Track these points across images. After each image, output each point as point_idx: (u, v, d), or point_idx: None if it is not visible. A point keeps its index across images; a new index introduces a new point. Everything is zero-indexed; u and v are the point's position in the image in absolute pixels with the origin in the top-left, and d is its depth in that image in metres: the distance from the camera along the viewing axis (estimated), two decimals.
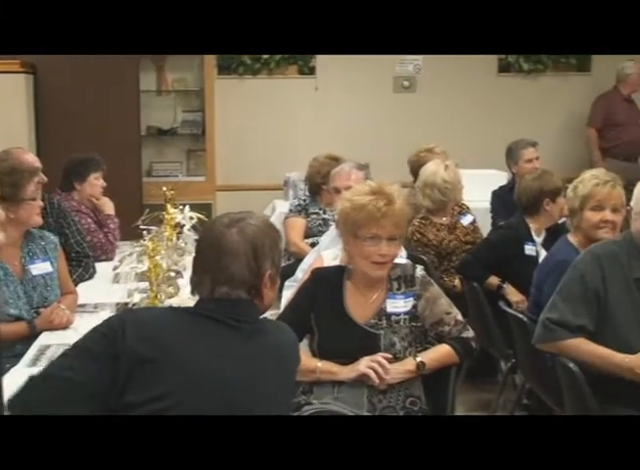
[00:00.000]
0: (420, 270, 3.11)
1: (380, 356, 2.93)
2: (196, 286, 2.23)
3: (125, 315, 2.20)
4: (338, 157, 5.35)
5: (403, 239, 3.15)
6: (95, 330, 2.11)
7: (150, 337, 2.07)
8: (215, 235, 2.20)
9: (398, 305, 3.02)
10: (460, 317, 3.11)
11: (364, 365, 2.92)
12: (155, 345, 2.06)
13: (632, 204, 3.16)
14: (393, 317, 3.01)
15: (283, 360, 2.25)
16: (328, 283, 3.09)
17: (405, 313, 3.02)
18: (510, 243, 4.50)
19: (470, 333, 3.10)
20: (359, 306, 3.04)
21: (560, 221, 4.57)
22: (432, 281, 3.14)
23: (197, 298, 2.25)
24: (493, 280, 4.51)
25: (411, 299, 3.04)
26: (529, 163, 5.83)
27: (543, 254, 4.31)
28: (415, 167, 5.47)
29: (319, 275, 3.15)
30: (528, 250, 4.47)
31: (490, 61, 7.91)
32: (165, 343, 2.07)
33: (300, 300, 3.11)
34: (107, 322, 2.14)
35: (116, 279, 4.06)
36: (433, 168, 4.97)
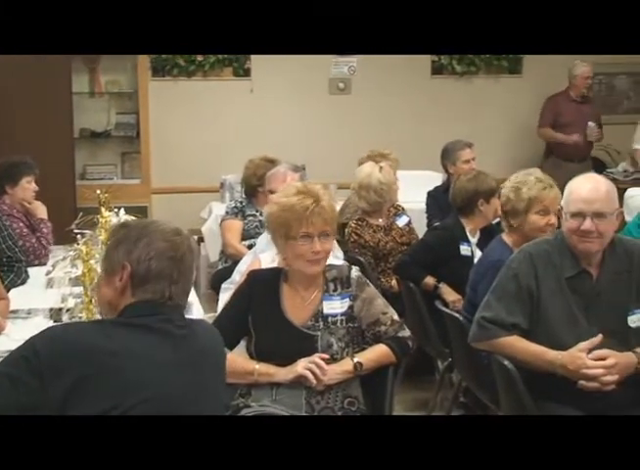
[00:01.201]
0: (355, 271, 3.13)
1: (317, 358, 2.93)
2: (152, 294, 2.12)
3: (50, 334, 2.07)
4: (273, 159, 5.34)
5: (336, 234, 3.16)
6: (17, 352, 2.02)
7: (80, 354, 1.99)
8: (180, 247, 2.15)
9: (335, 306, 3.03)
10: (396, 317, 3.13)
11: (302, 367, 2.91)
12: (87, 361, 1.98)
13: (562, 204, 3.20)
14: (330, 318, 3.02)
15: (216, 357, 2.26)
16: (265, 285, 3.09)
17: (342, 314, 3.03)
18: (445, 243, 4.53)
19: (406, 332, 3.12)
20: (296, 308, 3.03)
21: (494, 222, 4.63)
22: (367, 282, 3.16)
23: None
24: (430, 280, 4.53)
25: (347, 300, 3.05)
26: (467, 163, 5.86)
27: (478, 254, 4.35)
28: None
29: (256, 277, 3.15)
30: (464, 250, 4.50)
31: (424, 63, 7.99)
32: (99, 358, 2.00)
33: (237, 302, 3.10)
34: (29, 343, 2.02)
35: (50, 284, 4.00)
36: (367, 170, 4.99)
